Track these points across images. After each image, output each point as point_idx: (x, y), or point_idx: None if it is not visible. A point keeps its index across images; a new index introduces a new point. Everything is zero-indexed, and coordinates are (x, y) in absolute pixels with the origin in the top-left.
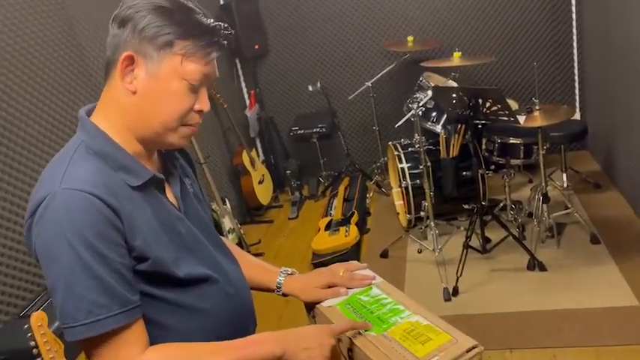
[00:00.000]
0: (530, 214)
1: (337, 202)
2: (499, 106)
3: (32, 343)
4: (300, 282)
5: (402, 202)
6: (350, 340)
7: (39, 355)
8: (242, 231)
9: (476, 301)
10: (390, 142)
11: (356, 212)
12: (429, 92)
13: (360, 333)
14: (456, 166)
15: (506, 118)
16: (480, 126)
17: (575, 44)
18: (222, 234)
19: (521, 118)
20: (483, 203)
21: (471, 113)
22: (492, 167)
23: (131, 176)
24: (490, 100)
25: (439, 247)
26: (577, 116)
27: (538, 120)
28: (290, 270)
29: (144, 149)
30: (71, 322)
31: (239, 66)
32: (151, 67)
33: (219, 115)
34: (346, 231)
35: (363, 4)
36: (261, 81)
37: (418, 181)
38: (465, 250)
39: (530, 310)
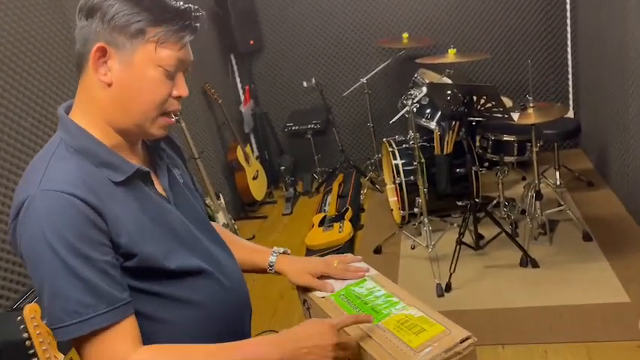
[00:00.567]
0: (523, 212)
1: (331, 199)
2: (493, 103)
3: (25, 335)
4: (293, 263)
5: (395, 198)
6: (345, 332)
7: (32, 346)
8: (236, 226)
9: (469, 297)
10: (384, 139)
11: (350, 208)
12: (424, 89)
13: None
14: (450, 162)
15: (500, 115)
16: (474, 123)
17: (569, 42)
18: None
19: (515, 116)
20: (477, 200)
21: (466, 110)
22: (486, 164)
23: (114, 172)
24: (484, 97)
25: (432, 243)
26: (570, 114)
27: (532, 117)
28: (282, 249)
29: (125, 142)
30: (58, 322)
31: (234, 61)
32: (125, 56)
33: (213, 111)
34: (340, 227)
35: (358, 1)
36: (255, 77)
37: (412, 177)
38: (458, 247)
39: (522, 307)
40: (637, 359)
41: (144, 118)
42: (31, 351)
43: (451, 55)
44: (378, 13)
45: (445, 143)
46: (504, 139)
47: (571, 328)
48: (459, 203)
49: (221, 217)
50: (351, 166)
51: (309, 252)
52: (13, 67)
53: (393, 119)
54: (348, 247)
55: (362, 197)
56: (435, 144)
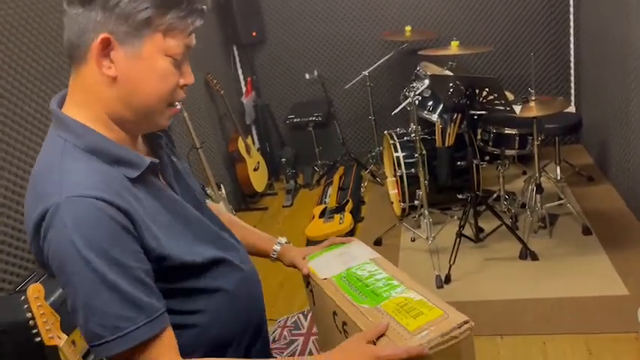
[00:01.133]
0: (523, 205)
1: (332, 191)
2: (495, 95)
3: (29, 315)
4: (295, 251)
5: (396, 191)
6: (345, 314)
7: (35, 326)
8: (237, 217)
9: (468, 288)
10: (385, 131)
11: (350, 200)
12: (426, 81)
13: (354, 305)
14: (451, 155)
15: (502, 108)
16: (475, 117)
17: (571, 38)
18: None
19: (517, 108)
20: (477, 193)
21: (468, 102)
22: (487, 158)
23: (129, 168)
24: (487, 89)
25: (432, 235)
26: (572, 109)
27: (533, 110)
28: (284, 240)
29: (128, 135)
30: (98, 339)
31: (236, 53)
32: (131, 48)
33: (215, 102)
34: (340, 218)
35: None
36: (258, 68)
37: (413, 169)
38: (458, 239)
39: (521, 298)
40: (635, 350)
41: (152, 111)
42: (35, 330)
43: (454, 47)
44: (380, 6)
45: (446, 136)
46: (506, 132)
47: (569, 319)
48: (460, 196)
49: (222, 208)
50: (352, 158)
51: (310, 243)
52: (9, 54)
53: (395, 111)
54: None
55: (362, 190)
56: (436, 136)
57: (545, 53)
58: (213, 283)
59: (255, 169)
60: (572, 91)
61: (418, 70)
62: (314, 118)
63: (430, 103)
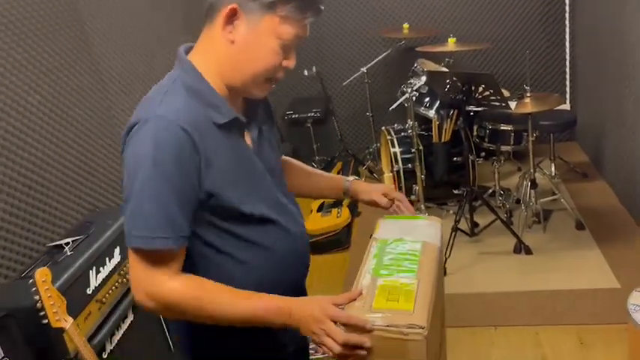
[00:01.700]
0: (518, 201)
1: None
2: (491, 91)
3: (36, 298)
4: (362, 185)
5: (393, 186)
6: (359, 272)
7: (42, 309)
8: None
9: (463, 281)
10: (383, 127)
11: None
12: (423, 77)
13: (367, 270)
14: (448, 151)
15: (497, 104)
16: (472, 113)
17: (567, 36)
18: None
19: (512, 105)
20: (473, 188)
21: (464, 98)
22: (483, 154)
23: (218, 114)
24: (483, 86)
25: None
26: (567, 107)
27: (529, 106)
28: (352, 177)
29: (228, 93)
30: (130, 228)
31: None
32: (252, 22)
33: None
34: (338, 212)
35: None
36: None
37: (410, 165)
38: (453, 233)
39: (515, 291)
40: (625, 340)
41: (251, 80)
42: (42, 313)
43: (451, 44)
44: (379, 4)
45: (443, 131)
46: (501, 128)
47: (562, 311)
48: (456, 191)
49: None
50: (349, 154)
51: (307, 236)
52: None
53: (392, 106)
54: (345, 232)
55: None
56: (433, 132)
57: (542, 51)
58: (256, 236)
59: None
60: (568, 89)
61: (415, 67)
62: (312, 114)
63: (427, 99)
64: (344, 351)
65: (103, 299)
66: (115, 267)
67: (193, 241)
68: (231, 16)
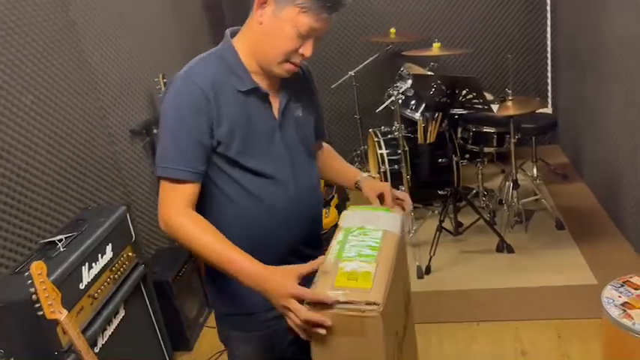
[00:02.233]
0: (501, 201)
1: None
2: (474, 94)
3: (32, 290)
4: (369, 182)
5: (386, 185)
6: (325, 256)
7: (37, 301)
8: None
9: (447, 278)
10: (370, 129)
11: (335, 196)
12: (409, 81)
13: (332, 254)
14: (433, 152)
15: (480, 107)
16: (456, 116)
17: (549, 42)
18: None
19: (495, 107)
20: (457, 189)
21: (448, 101)
22: (467, 156)
23: (239, 81)
24: (466, 89)
25: (414, 228)
26: (549, 111)
27: (510, 109)
28: (366, 174)
29: (259, 68)
30: (157, 161)
31: None
32: (277, 9)
33: None
34: (326, 212)
35: None
36: None
37: (396, 166)
38: (438, 232)
39: (496, 288)
40: (600, 334)
41: (270, 59)
42: (37, 305)
43: (435, 49)
44: (366, 9)
45: (428, 133)
46: (484, 130)
47: (541, 306)
48: (441, 192)
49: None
50: None
51: None
52: (15, 46)
53: (379, 108)
54: (333, 231)
55: None
56: (418, 134)
57: (524, 57)
58: (256, 188)
59: None
60: (550, 94)
61: (402, 71)
62: None
63: (413, 102)
64: (305, 327)
65: (95, 294)
66: (107, 263)
67: (207, 182)
68: (263, 2)
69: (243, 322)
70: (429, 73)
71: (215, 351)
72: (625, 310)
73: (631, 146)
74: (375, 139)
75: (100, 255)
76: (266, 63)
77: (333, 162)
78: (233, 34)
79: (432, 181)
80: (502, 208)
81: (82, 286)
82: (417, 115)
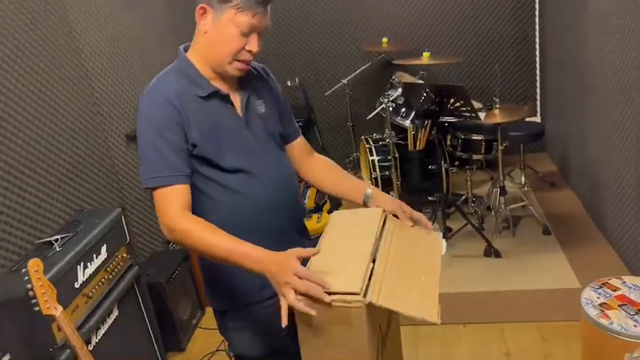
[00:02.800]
0: (489, 208)
1: (310, 192)
2: (462, 102)
3: (28, 286)
4: (378, 198)
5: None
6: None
7: (34, 297)
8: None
9: None
10: (362, 136)
11: (328, 201)
12: (400, 89)
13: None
14: (422, 159)
15: (468, 114)
16: (446, 124)
17: (537, 52)
18: None
19: (482, 115)
20: (447, 195)
21: (437, 108)
22: (457, 163)
23: (199, 89)
24: (455, 97)
25: None
26: (537, 119)
27: (497, 117)
28: (372, 187)
29: (216, 74)
30: (142, 174)
31: None
32: (216, 15)
33: None
34: (318, 217)
35: (341, 7)
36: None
37: (387, 172)
38: None
39: (483, 291)
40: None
41: (221, 61)
42: (34, 301)
43: (425, 58)
44: (360, 18)
45: (418, 140)
46: (473, 138)
47: (526, 309)
48: (430, 198)
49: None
50: None
51: None
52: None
53: (370, 115)
54: None
55: None
56: (408, 141)
57: (514, 67)
58: (232, 183)
59: None
60: (538, 103)
61: (393, 79)
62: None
63: (403, 109)
64: (299, 302)
65: (90, 293)
66: (101, 263)
67: (191, 188)
68: (202, 13)
69: (240, 315)
70: (420, 81)
71: (207, 352)
72: (603, 311)
73: (614, 154)
74: (367, 146)
75: (94, 255)
76: (219, 66)
77: (336, 178)
78: (186, 49)
79: (421, 187)
80: (490, 214)
81: (77, 285)
82: (407, 123)
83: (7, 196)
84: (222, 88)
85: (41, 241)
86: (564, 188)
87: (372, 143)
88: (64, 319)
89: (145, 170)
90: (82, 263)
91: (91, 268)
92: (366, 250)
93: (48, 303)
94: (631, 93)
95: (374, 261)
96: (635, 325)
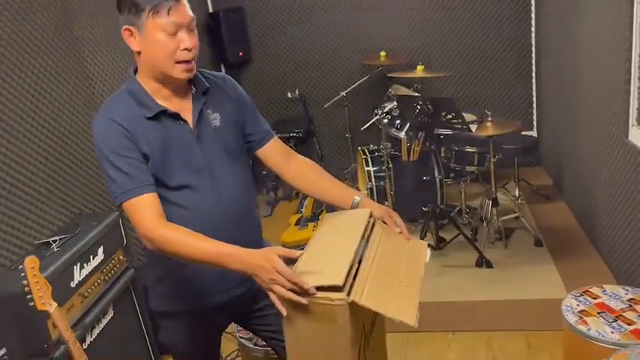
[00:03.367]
0: (482, 219)
1: (308, 202)
2: (453, 114)
3: (24, 282)
4: (366, 205)
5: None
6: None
7: (30, 293)
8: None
9: (426, 290)
10: (359, 147)
11: (325, 210)
12: (394, 102)
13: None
14: (417, 170)
15: (459, 126)
16: (441, 136)
17: (533, 67)
18: None
19: (473, 127)
20: (440, 205)
21: (429, 120)
22: (452, 175)
23: (146, 110)
24: (445, 109)
25: None
26: (534, 133)
27: (489, 130)
28: (361, 194)
29: (164, 89)
30: (112, 194)
31: (223, 70)
32: (140, 31)
33: None
34: (314, 226)
35: (340, 22)
36: (243, 86)
37: (382, 183)
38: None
39: (473, 300)
40: None
41: (164, 67)
42: (29, 296)
43: (419, 71)
44: (359, 33)
45: (411, 151)
46: (466, 150)
47: (514, 318)
48: (425, 209)
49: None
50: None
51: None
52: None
53: (364, 127)
54: None
55: None
56: (402, 152)
57: (510, 81)
58: (180, 200)
59: None
60: (535, 117)
61: (390, 92)
62: (295, 134)
63: (398, 121)
64: (289, 292)
65: (86, 293)
66: (98, 264)
67: None
68: (129, 35)
69: (179, 317)
70: (415, 94)
71: None
72: (581, 317)
73: (608, 170)
74: (363, 157)
75: (91, 256)
76: (165, 75)
77: (326, 179)
78: (135, 71)
79: (415, 197)
80: (483, 225)
81: (73, 285)
82: (402, 134)
83: (9, 198)
84: (171, 105)
85: (40, 241)
86: (558, 201)
87: (368, 154)
88: (58, 315)
89: (113, 189)
90: (78, 263)
91: (88, 268)
92: (351, 249)
93: (43, 299)
94: (620, 106)
95: (360, 262)
96: (612, 332)
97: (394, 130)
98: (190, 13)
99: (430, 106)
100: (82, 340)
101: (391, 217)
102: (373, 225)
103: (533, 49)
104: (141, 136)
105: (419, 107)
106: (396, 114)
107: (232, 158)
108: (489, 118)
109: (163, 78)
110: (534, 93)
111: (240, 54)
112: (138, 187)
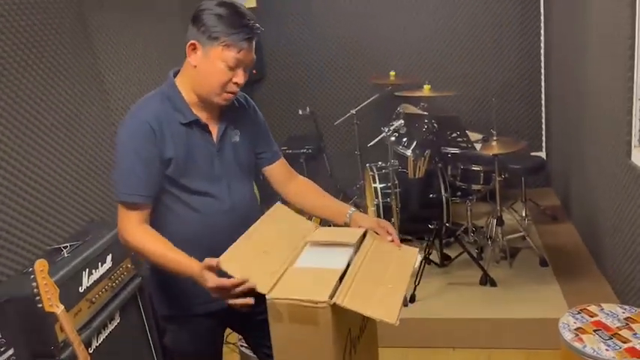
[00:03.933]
0: (488, 237)
1: (316, 218)
2: (458, 132)
3: (34, 284)
4: (358, 220)
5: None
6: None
7: (38, 294)
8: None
9: (430, 307)
10: (367, 164)
11: (332, 226)
12: (402, 120)
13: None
14: (423, 187)
15: (464, 145)
16: (449, 155)
17: (542, 89)
18: None
19: (478, 146)
20: (446, 223)
21: (434, 138)
22: (459, 194)
23: (181, 115)
24: (450, 127)
25: None
26: (542, 154)
27: (494, 148)
28: (353, 209)
29: (200, 103)
30: (114, 183)
31: None
32: (205, 51)
33: None
34: None
35: (352, 42)
36: (256, 103)
37: (389, 200)
38: (423, 262)
39: (476, 318)
40: None
41: (210, 92)
42: (37, 297)
43: (426, 90)
44: (368, 52)
45: (417, 168)
46: (472, 168)
47: (515, 336)
48: (431, 226)
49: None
50: (339, 190)
51: None
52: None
53: (371, 143)
54: None
55: None
56: (408, 169)
57: (519, 102)
58: (195, 203)
59: None
60: (544, 138)
61: (398, 110)
62: (305, 151)
63: (405, 139)
64: (234, 302)
65: (93, 299)
66: (106, 271)
67: (157, 202)
68: (193, 49)
69: (180, 321)
70: (423, 112)
71: None
72: (577, 335)
73: (612, 191)
74: (370, 174)
75: (100, 263)
76: (207, 96)
77: (319, 196)
78: (175, 74)
79: (421, 214)
80: (489, 243)
81: (81, 290)
82: (409, 152)
83: (23, 205)
84: (203, 116)
85: (52, 247)
86: (565, 222)
87: (375, 171)
88: (65, 317)
89: (119, 182)
90: (87, 269)
91: (96, 275)
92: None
93: (50, 301)
94: (622, 128)
95: (348, 266)
96: (607, 350)
97: (401, 147)
98: (254, 55)
99: (435, 124)
100: (88, 344)
101: (382, 227)
102: (364, 236)
103: (542, 70)
104: (169, 139)
105: (425, 125)
106: (403, 132)
107: (243, 171)
108: (494, 137)
109: (202, 97)
110: (543, 114)
111: (254, 72)
112: (142, 195)
